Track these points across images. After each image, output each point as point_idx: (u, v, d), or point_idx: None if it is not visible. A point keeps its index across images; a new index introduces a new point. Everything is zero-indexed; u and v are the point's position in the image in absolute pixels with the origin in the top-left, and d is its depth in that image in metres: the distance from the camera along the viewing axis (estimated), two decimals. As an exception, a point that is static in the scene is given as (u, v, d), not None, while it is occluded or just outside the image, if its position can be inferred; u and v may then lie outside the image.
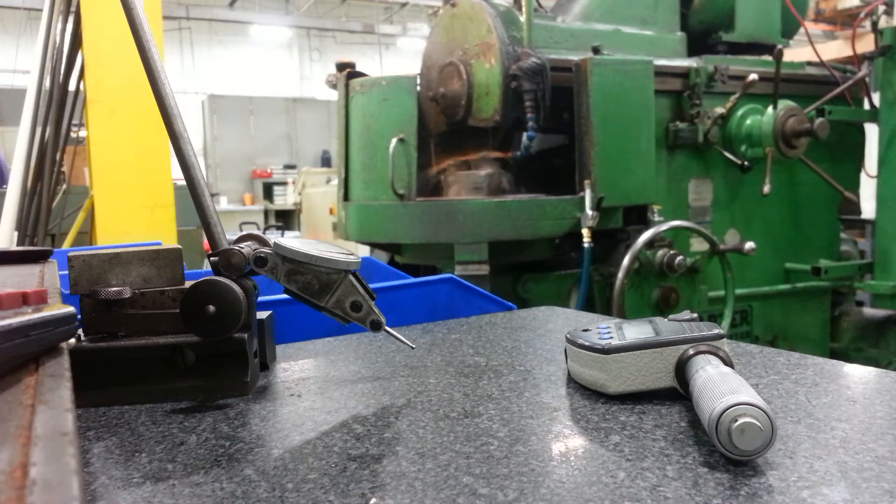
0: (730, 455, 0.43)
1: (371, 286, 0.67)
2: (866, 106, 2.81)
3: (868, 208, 2.94)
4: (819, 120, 2.42)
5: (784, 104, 2.43)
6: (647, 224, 2.33)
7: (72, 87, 2.73)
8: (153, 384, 0.60)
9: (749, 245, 2.36)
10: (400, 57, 16.07)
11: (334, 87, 2.59)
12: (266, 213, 11.59)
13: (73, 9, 2.68)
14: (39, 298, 0.47)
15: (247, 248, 0.61)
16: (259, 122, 12.27)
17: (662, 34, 2.64)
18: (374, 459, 0.46)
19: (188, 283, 0.59)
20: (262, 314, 0.69)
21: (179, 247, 0.64)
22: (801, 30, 2.97)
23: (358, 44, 15.73)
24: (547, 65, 2.25)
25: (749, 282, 2.60)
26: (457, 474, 0.43)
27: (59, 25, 2.67)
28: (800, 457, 0.44)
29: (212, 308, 0.57)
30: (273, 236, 0.68)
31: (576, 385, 0.61)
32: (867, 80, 2.74)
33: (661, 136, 2.45)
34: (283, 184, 11.81)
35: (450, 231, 2.17)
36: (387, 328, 0.64)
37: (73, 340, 0.55)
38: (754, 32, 2.75)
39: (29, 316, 0.40)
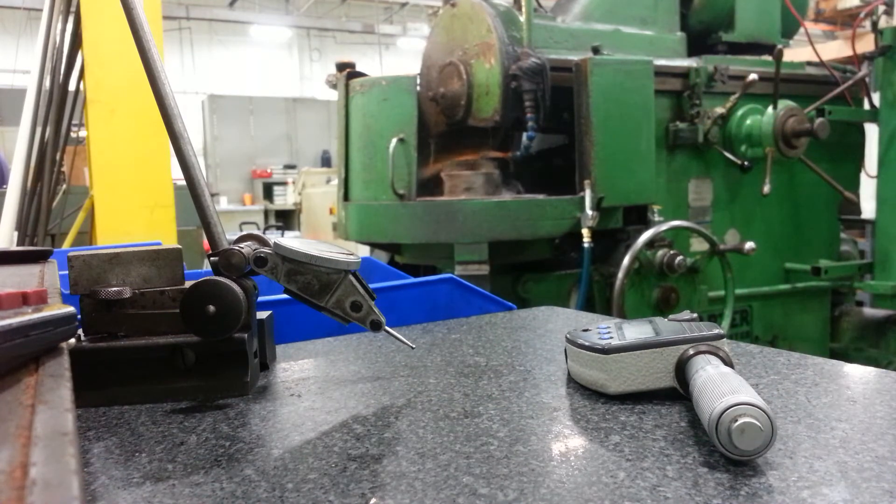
0: (730, 455, 0.43)
1: (371, 286, 0.67)
2: (866, 106, 2.81)
3: (868, 208, 2.94)
4: (819, 120, 2.42)
5: (784, 104, 2.43)
6: (647, 224, 2.33)
7: (72, 87, 2.73)
8: (153, 384, 0.60)
9: (749, 245, 2.36)
10: (400, 57, 16.07)
11: (334, 87, 2.59)
12: (266, 213, 11.59)
13: (73, 9, 2.68)
14: (39, 298, 0.47)
15: (247, 248, 0.61)
16: (259, 122, 12.27)
17: (662, 34, 2.64)
18: (374, 459, 0.46)
19: (188, 283, 0.59)
20: (262, 314, 0.69)
21: (179, 247, 0.64)
22: (801, 30, 2.97)
23: (358, 44, 15.73)
24: (547, 65, 2.25)
25: (749, 282, 2.60)
26: (457, 474, 0.43)
27: (59, 25, 2.67)
28: (800, 457, 0.44)
29: (212, 308, 0.57)
30: (273, 236, 0.68)
31: (576, 385, 0.61)
32: (867, 80, 2.74)
33: (661, 136, 2.45)
34: (283, 184, 11.81)
35: (450, 231, 2.17)
36: (387, 328, 0.64)
37: (73, 340, 0.55)
38: (754, 32, 2.75)
39: (29, 316, 0.40)
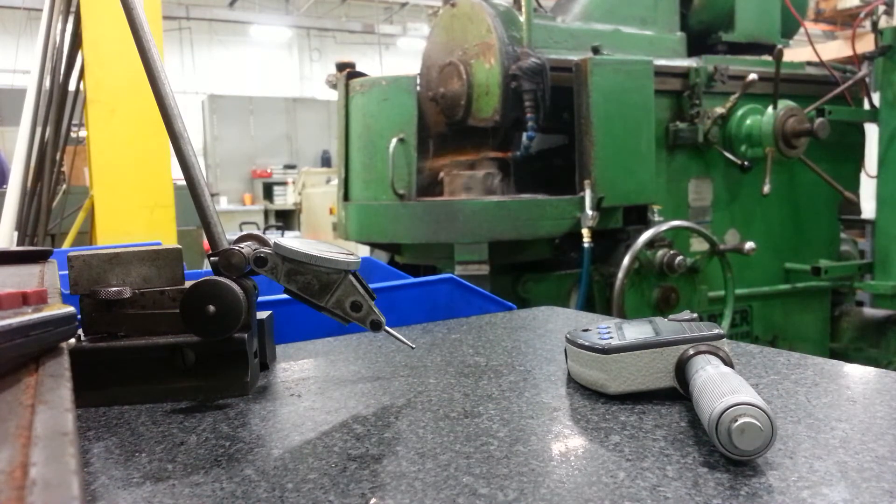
0: (730, 455, 0.43)
1: (371, 286, 0.67)
2: (866, 106, 2.81)
3: (868, 208, 2.94)
4: (819, 120, 2.42)
5: (784, 104, 2.43)
6: (647, 224, 2.33)
7: (72, 87, 2.73)
8: (153, 384, 0.60)
9: (749, 245, 2.36)
10: (400, 57, 16.07)
11: (334, 87, 2.59)
12: (266, 213, 11.59)
13: (73, 9, 2.68)
14: (39, 298, 0.47)
15: (247, 248, 0.61)
16: (259, 122, 12.27)
17: (662, 34, 2.64)
18: (374, 459, 0.46)
19: (188, 283, 0.59)
20: (262, 314, 0.69)
21: (179, 247, 0.64)
22: (801, 30, 2.97)
23: (358, 44, 15.73)
24: (547, 65, 2.25)
25: (749, 282, 2.60)
26: (457, 474, 0.43)
27: (59, 25, 2.67)
28: (800, 457, 0.44)
29: (212, 308, 0.57)
30: (273, 236, 0.68)
31: (576, 385, 0.61)
32: (867, 80, 2.74)
33: (661, 136, 2.45)
34: (283, 184, 11.81)
35: (450, 231, 2.17)
36: (387, 328, 0.64)
37: (73, 340, 0.55)
38: (754, 32, 2.75)
39: (29, 316, 0.40)
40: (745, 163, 2.49)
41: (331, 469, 0.45)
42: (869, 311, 2.92)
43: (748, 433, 0.42)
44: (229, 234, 0.63)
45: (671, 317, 0.61)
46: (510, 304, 0.98)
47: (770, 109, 2.42)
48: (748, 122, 2.48)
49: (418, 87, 2.39)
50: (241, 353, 0.60)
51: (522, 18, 2.32)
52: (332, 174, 9.06)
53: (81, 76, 2.71)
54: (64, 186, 3.06)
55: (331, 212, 7.46)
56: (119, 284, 0.60)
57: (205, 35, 15.01)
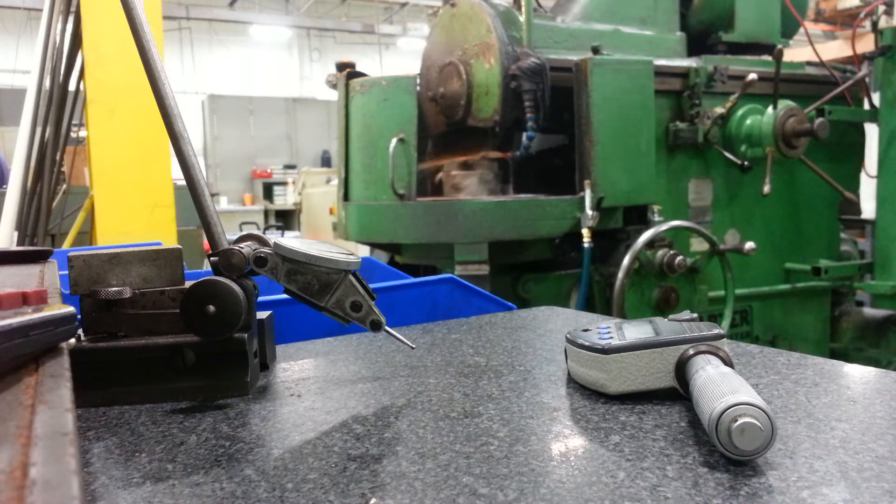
0: (730, 455, 0.43)
1: (371, 286, 0.67)
2: (866, 106, 2.81)
3: (868, 208, 2.95)
4: (819, 120, 2.42)
5: (784, 104, 2.43)
6: (647, 224, 2.33)
7: (72, 87, 2.73)
8: (153, 384, 0.60)
9: (749, 245, 2.36)
10: (400, 57, 16.06)
11: (334, 87, 2.59)
12: (266, 213, 11.59)
13: (73, 9, 2.68)
14: (39, 298, 0.47)
15: (247, 248, 0.61)
16: (259, 122, 12.27)
17: (662, 34, 2.64)
18: (374, 459, 0.46)
19: (188, 283, 0.59)
20: (262, 314, 0.69)
21: (179, 247, 0.64)
22: (801, 30, 2.97)
23: (358, 44, 15.73)
24: (546, 65, 2.25)
25: (749, 282, 2.60)
26: (457, 474, 0.43)
27: (59, 25, 2.67)
28: (800, 457, 0.44)
29: (212, 308, 0.57)
30: (273, 236, 0.68)
31: (576, 385, 0.61)
32: (867, 80, 2.74)
33: (661, 136, 2.45)
34: (283, 184, 11.81)
35: (450, 231, 2.17)
36: (387, 328, 0.64)
37: (73, 340, 0.55)
38: (754, 32, 2.75)
39: (29, 316, 0.40)
40: (745, 163, 2.49)
41: (331, 469, 0.45)
42: (869, 311, 2.92)
43: (748, 433, 0.42)
44: (229, 234, 0.63)
45: (671, 317, 0.61)
46: (510, 304, 0.98)
47: (770, 109, 2.42)
48: (748, 122, 2.48)
49: (418, 87, 2.39)
50: (241, 353, 0.60)
51: (522, 18, 2.32)
52: (332, 174, 9.07)
53: (81, 76, 2.71)
54: (64, 186, 3.06)
55: (331, 212, 7.46)
56: (119, 284, 0.60)
57: (205, 35, 15.00)
